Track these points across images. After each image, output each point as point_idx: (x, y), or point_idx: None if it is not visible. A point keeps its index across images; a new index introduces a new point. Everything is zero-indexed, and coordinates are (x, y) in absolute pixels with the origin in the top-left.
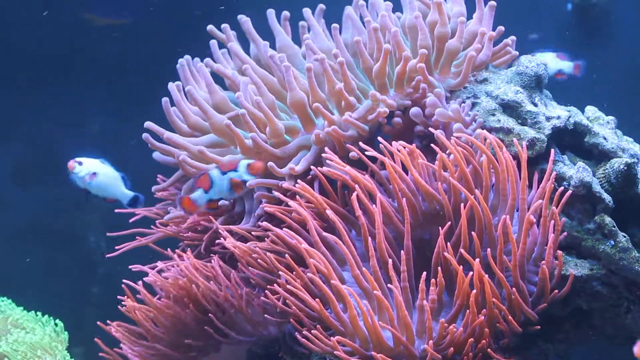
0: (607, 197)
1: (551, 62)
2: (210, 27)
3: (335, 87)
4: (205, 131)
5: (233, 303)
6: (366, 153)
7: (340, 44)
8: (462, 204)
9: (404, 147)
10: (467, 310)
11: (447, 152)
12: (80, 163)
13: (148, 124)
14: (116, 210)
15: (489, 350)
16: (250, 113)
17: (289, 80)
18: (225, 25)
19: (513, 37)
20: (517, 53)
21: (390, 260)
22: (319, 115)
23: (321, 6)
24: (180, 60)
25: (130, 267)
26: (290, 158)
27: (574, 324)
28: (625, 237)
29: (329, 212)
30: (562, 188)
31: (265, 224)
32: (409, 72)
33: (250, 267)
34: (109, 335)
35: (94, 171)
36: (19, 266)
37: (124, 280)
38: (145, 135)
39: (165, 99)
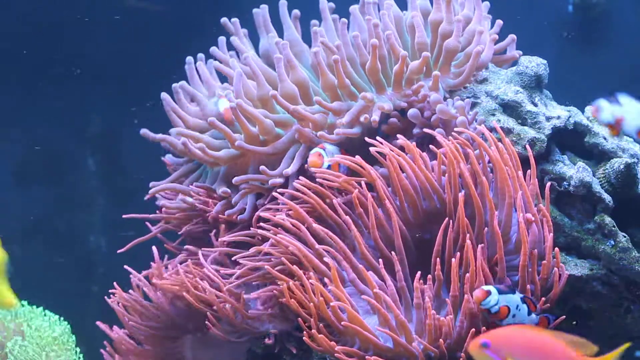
0: (607, 197)
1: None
2: (224, 19)
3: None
4: (206, 131)
5: (233, 304)
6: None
7: (345, 38)
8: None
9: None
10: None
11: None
12: None
13: (143, 131)
14: (124, 216)
15: None
16: (240, 109)
17: (279, 72)
18: (235, 20)
19: (514, 37)
20: (521, 52)
21: (382, 261)
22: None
23: (331, 4)
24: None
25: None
26: (283, 153)
27: (573, 323)
28: (625, 237)
29: (315, 226)
30: (549, 184)
31: (262, 235)
32: (408, 73)
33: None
34: (109, 335)
35: None
36: (19, 266)
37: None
38: (143, 130)
39: (165, 100)
